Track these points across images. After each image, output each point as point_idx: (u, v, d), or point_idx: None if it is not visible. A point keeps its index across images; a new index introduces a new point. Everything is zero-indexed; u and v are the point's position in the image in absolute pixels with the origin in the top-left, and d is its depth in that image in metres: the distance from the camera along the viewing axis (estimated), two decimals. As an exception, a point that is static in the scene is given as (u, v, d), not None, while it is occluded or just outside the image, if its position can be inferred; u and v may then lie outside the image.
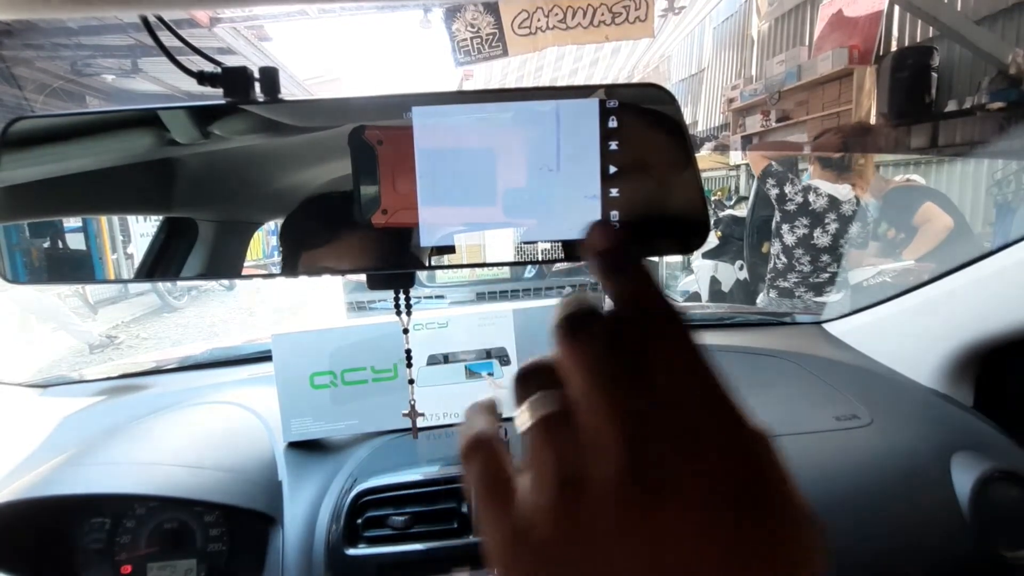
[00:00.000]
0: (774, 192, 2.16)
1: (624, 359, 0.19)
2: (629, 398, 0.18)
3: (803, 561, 0.17)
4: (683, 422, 0.18)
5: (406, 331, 0.39)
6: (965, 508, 0.60)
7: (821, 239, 2.08)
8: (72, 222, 0.32)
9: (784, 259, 2.18)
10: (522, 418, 0.20)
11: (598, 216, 0.27)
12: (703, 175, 0.49)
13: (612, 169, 0.27)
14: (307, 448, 0.72)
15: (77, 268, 0.34)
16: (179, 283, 5.21)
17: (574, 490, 0.18)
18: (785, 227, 2.14)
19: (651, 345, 0.19)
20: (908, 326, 0.83)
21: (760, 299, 2.49)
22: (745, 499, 0.17)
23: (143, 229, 0.32)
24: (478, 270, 2.75)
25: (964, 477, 0.62)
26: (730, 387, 0.19)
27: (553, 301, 0.77)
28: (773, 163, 2.24)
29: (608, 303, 0.22)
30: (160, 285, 5.28)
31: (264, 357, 0.98)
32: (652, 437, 0.17)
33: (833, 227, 2.07)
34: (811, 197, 2.09)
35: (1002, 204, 2.94)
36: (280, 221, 0.30)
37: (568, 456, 0.18)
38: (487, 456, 0.21)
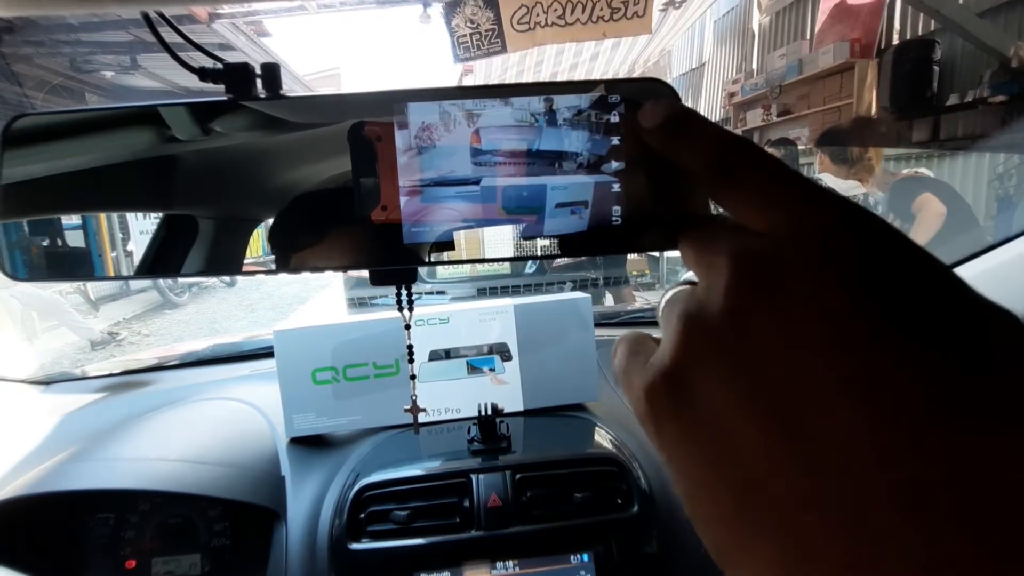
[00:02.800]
0: None
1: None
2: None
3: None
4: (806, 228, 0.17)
5: (408, 327, 0.39)
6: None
7: None
8: (71, 219, 0.32)
9: None
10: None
11: (597, 214, 0.27)
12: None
13: (613, 164, 0.27)
14: (310, 443, 0.73)
15: (77, 265, 0.34)
16: (180, 280, 5.22)
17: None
18: None
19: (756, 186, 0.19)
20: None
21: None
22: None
23: (143, 226, 0.32)
24: (479, 265, 2.75)
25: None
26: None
27: (554, 296, 0.77)
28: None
29: None
30: (161, 282, 5.29)
31: (266, 353, 0.99)
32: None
33: None
34: None
35: (1003, 198, 2.94)
36: (282, 217, 0.30)
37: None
38: (629, 338, 0.21)
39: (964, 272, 0.73)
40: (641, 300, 3.32)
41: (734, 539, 0.16)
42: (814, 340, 0.15)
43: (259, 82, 0.29)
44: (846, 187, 2.07)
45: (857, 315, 0.15)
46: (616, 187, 0.27)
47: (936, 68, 3.49)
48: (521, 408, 0.75)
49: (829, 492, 0.14)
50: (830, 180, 2.09)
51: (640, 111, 0.24)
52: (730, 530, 0.16)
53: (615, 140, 0.27)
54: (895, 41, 3.98)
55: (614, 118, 0.27)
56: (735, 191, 0.19)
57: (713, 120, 0.22)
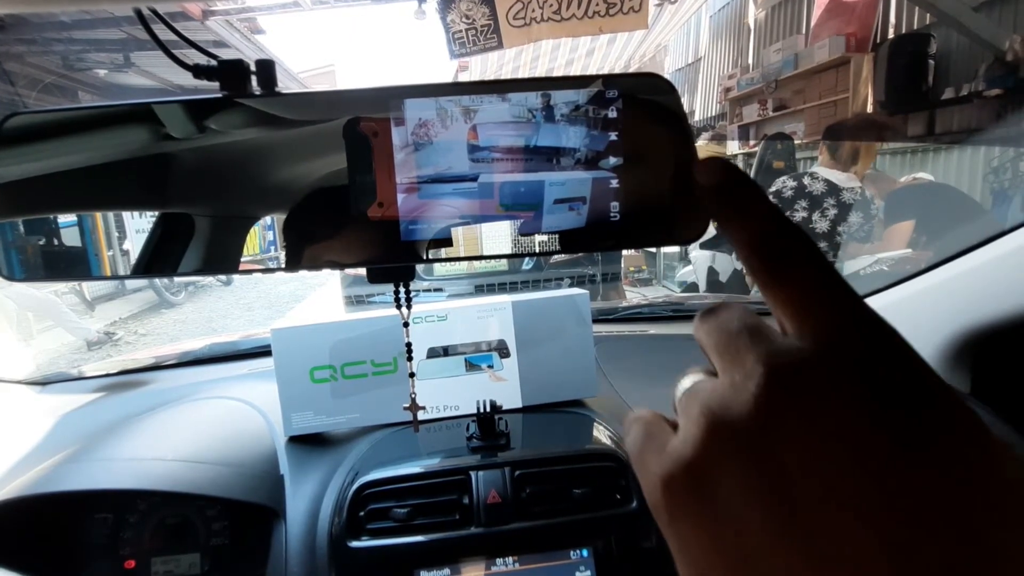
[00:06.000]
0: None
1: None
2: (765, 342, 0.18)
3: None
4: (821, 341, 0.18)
5: (406, 324, 0.39)
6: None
7: (820, 224, 2.08)
8: (67, 218, 0.32)
9: None
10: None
11: (595, 209, 0.27)
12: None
13: (611, 160, 0.27)
14: (308, 442, 0.73)
15: (73, 265, 0.34)
16: (176, 279, 5.20)
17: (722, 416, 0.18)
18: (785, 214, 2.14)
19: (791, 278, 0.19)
20: (905, 314, 0.83)
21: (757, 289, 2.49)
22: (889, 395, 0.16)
23: (139, 225, 0.32)
24: (476, 263, 2.75)
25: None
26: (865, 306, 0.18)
27: (552, 292, 0.77)
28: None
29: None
30: (157, 281, 5.27)
31: (263, 352, 0.98)
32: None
33: (832, 212, 2.07)
34: (807, 181, 2.09)
35: (999, 192, 2.95)
36: (278, 215, 0.30)
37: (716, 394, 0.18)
38: (645, 418, 0.21)
39: (959, 266, 0.73)
40: (638, 296, 3.32)
41: None
42: (839, 462, 0.16)
43: (254, 79, 0.29)
44: (843, 179, 2.08)
45: (881, 442, 0.16)
46: (614, 183, 0.27)
47: (931, 62, 3.49)
48: (520, 405, 0.75)
49: None
50: (828, 173, 2.09)
51: (699, 164, 0.24)
52: None
53: (613, 136, 0.27)
54: (890, 35, 3.98)
55: (612, 113, 0.27)
56: (777, 283, 0.20)
57: (746, 177, 0.22)
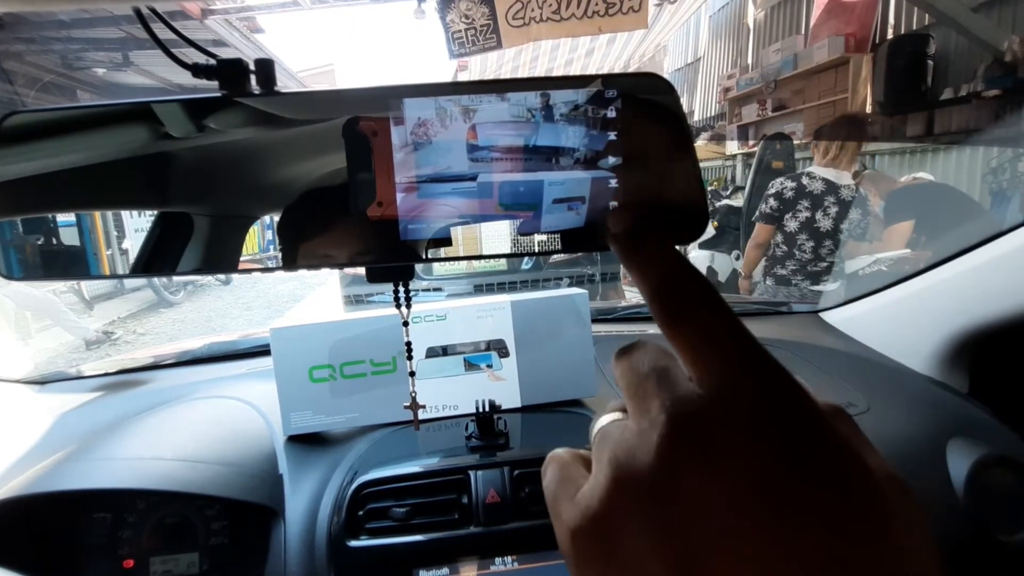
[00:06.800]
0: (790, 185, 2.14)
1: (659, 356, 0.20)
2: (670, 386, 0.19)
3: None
4: (727, 399, 0.18)
5: (406, 324, 0.39)
6: (960, 493, 0.61)
7: (823, 223, 2.08)
8: (66, 218, 0.32)
9: (785, 247, 2.18)
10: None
11: (594, 209, 0.27)
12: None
13: (610, 159, 0.27)
14: (307, 441, 0.73)
15: (72, 264, 0.34)
16: (175, 278, 5.19)
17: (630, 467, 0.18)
18: (787, 215, 2.14)
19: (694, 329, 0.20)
20: (904, 314, 0.84)
21: (756, 289, 2.50)
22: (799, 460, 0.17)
23: (138, 224, 0.32)
24: (475, 262, 2.75)
25: (959, 463, 0.62)
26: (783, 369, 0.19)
27: (551, 292, 0.77)
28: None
29: None
30: (156, 280, 5.27)
31: (262, 351, 0.98)
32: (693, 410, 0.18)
33: (833, 210, 2.07)
34: (805, 180, 2.10)
35: (997, 192, 2.95)
36: (277, 214, 0.30)
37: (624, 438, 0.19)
38: (560, 459, 0.22)
39: (957, 266, 0.73)
40: (637, 296, 3.32)
41: None
42: (736, 513, 0.16)
43: (253, 78, 0.29)
44: (838, 177, 2.08)
45: (769, 486, 0.16)
46: (613, 183, 0.27)
47: (930, 63, 3.50)
48: (519, 404, 0.75)
49: None
50: (824, 172, 2.10)
51: (610, 214, 0.25)
52: None
53: (612, 135, 0.27)
54: (890, 36, 3.99)
55: (611, 113, 0.27)
56: (676, 328, 0.20)
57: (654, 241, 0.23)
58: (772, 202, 2.17)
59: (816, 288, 2.11)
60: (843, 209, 2.07)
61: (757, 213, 2.27)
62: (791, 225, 2.14)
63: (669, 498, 0.17)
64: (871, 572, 0.15)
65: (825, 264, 2.12)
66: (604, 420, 0.21)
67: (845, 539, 0.16)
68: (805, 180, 2.11)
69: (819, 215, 2.08)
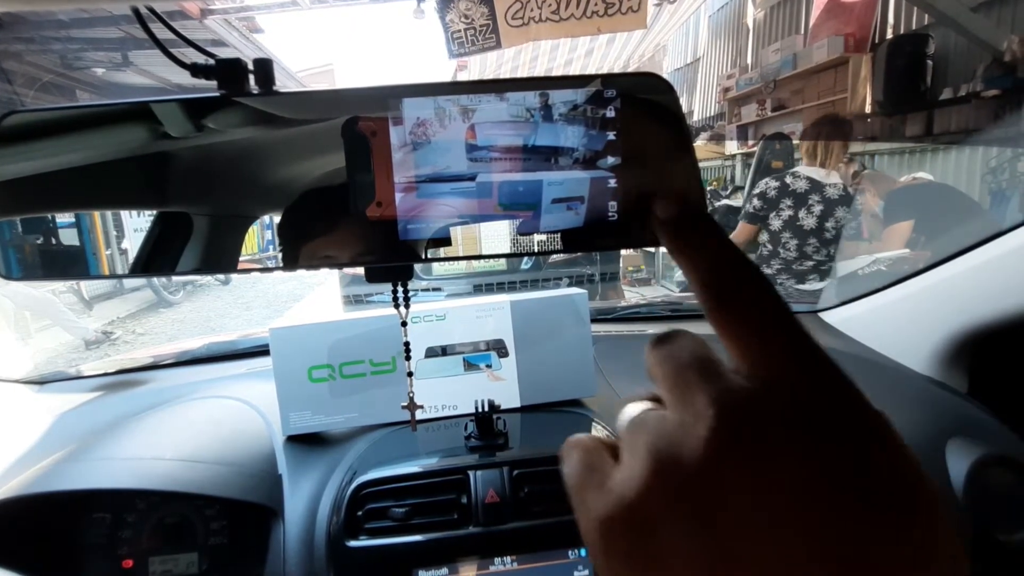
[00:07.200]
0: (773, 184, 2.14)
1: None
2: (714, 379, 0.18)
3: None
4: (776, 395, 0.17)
5: (405, 324, 0.39)
6: (960, 493, 0.61)
7: (807, 221, 2.08)
8: (65, 217, 0.32)
9: (770, 246, 2.18)
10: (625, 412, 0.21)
11: (593, 209, 0.27)
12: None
13: (609, 159, 0.27)
14: (306, 441, 0.72)
15: (71, 264, 0.34)
16: (175, 278, 5.19)
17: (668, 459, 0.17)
18: (772, 214, 2.15)
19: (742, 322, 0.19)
20: (903, 314, 0.84)
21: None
22: (847, 478, 0.16)
23: (137, 224, 0.31)
24: (475, 262, 2.74)
25: (959, 463, 0.62)
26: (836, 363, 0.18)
27: (550, 292, 0.77)
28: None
29: None
30: (155, 280, 5.26)
31: (262, 351, 0.98)
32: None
33: (818, 209, 2.07)
34: (788, 180, 2.10)
35: (996, 192, 2.95)
36: (276, 214, 0.30)
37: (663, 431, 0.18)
38: (584, 445, 0.21)
39: (956, 266, 0.73)
40: (636, 296, 3.32)
41: None
42: (785, 516, 0.15)
43: (252, 78, 0.29)
44: (821, 175, 2.08)
45: (821, 495, 0.15)
46: (612, 182, 0.27)
47: (930, 63, 3.50)
48: (518, 404, 0.75)
49: None
50: (809, 171, 2.10)
51: (656, 202, 0.24)
52: None
53: (611, 135, 0.27)
54: (889, 36, 3.99)
55: (610, 113, 0.27)
56: (724, 317, 0.19)
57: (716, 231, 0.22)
58: (756, 202, 2.17)
59: (802, 287, 2.11)
60: (829, 207, 2.07)
61: (741, 212, 2.27)
62: (775, 224, 2.13)
63: (713, 496, 0.16)
64: None
65: (811, 263, 2.12)
66: (635, 408, 0.20)
67: (907, 568, 0.15)
68: (789, 179, 2.11)
69: (802, 213, 2.08)
